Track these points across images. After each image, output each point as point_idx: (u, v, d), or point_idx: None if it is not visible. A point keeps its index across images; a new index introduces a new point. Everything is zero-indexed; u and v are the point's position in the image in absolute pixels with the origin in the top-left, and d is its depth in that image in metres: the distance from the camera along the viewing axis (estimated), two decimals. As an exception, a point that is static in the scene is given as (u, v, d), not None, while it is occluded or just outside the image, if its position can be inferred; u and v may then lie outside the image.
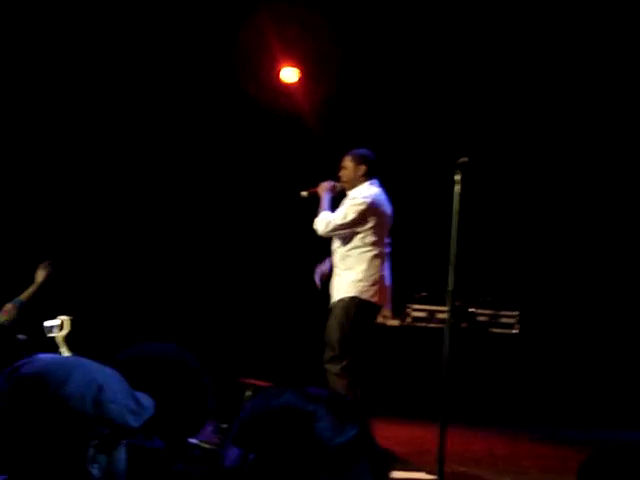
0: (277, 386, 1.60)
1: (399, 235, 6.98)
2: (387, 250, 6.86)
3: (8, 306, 6.42)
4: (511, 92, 9.98)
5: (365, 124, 9.51)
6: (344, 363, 6.57)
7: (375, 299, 6.77)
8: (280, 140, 10.12)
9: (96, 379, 1.88)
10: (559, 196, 10.25)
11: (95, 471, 1.84)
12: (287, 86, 9.93)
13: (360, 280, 6.70)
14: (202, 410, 2.58)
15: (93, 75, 9.64)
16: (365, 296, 6.70)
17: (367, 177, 6.85)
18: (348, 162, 6.90)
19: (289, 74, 9.85)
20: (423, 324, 9.55)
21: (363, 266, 6.72)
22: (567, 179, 10.20)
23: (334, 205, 6.90)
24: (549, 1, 9.65)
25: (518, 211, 10.24)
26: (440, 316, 9.31)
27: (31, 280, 6.58)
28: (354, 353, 6.62)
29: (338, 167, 6.95)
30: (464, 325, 9.50)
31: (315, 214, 6.89)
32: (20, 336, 6.18)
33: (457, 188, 5.49)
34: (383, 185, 6.91)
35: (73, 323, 3.63)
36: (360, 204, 6.72)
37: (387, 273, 6.85)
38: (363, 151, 6.96)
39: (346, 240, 6.80)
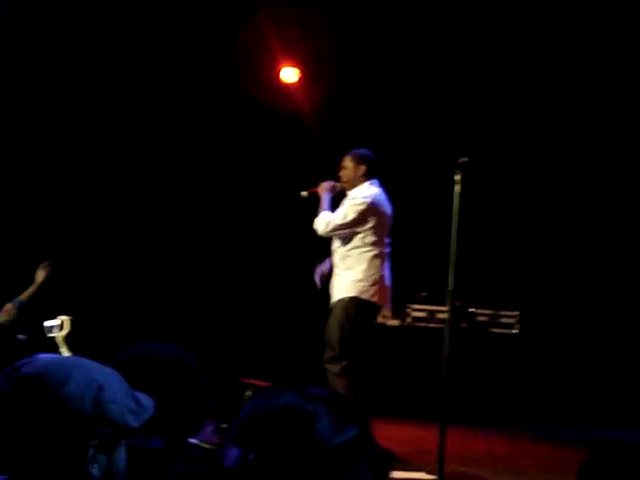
0: (277, 386, 1.60)
1: (399, 235, 6.98)
2: (387, 250, 6.86)
3: (8, 306, 6.42)
4: (511, 92, 9.97)
5: (365, 124, 9.51)
6: (344, 363, 6.57)
7: (375, 299, 6.76)
8: (280, 140, 10.12)
9: (96, 379, 1.88)
10: (559, 196, 10.25)
11: (95, 471, 1.84)
12: (287, 86, 9.93)
13: (360, 280, 6.70)
14: (201, 410, 2.58)
15: (93, 74, 9.63)
16: (365, 296, 6.70)
17: (367, 177, 6.85)
18: (348, 162, 6.90)
19: (289, 74, 9.85)
20: (423, 324, 9.55)
21: (363, 266, 6.71)
22: (567, 179, 10.20)
23: (334, 205, 6.89)
24: (548, 1, 9.65)
25: (518, 211, 10.24)
26: (440, 316, 9.31)
27: (31, 280, 6.58)
28: (354, 353, 6.62)
29: (338, 167, 6.95)
30: (464, 325, 9.51)
31: (315, 214, 6.88)
32: (20, 336, 6.18)
33: (457, 188, 5.49)
34: (383, 185, 6.91)
35: (73, 323, 3.63)
36: (360, 204, 6.72)
37: (387, 273, 6.85)
38: (363, 151, 6.95)
39: (346, 240, 6.79)
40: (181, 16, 9.68)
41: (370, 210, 6.72)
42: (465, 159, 5.49)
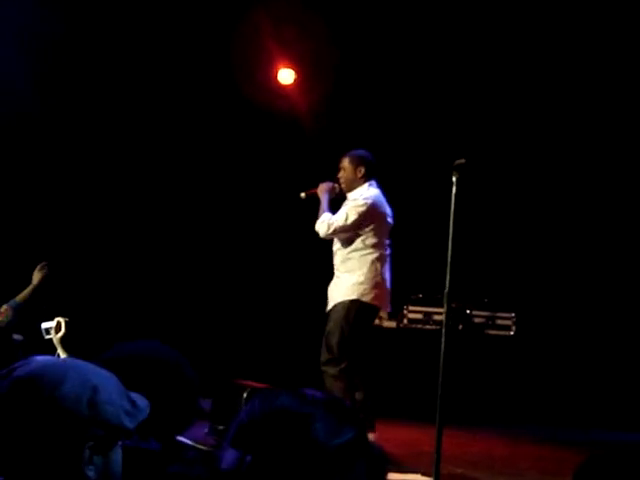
0: (274, 388, 1.60)
1: (395, 236, 6.98)
2: (388, 252, 6.85)
3: (4, 307, 6.42)
4: (508, 94, 9.98)
5: (362, 125, 9.51)
6: (342, 365, 6.56)
7: (376, 302, 6.75)
8: (277, 141, 10.11)
9: (91, 380, 1.87)
10: (556, 198, 10.25)
11: (91, 473, 1.84)
12: (284, 87, 9.93)
13: (362, 283, 6.69)
14: (190, 407, 2.57)
15: (89, 74, 9.63)
16: (366, 299, 6.69)
17: (366, 178, 6.84)
18: (346, 163, 6.88)
19: (286, 75, 9.85)
20: (419, 326, 9.56)
21: (364, 269, 6.70)
22: (564, 181, 10.21)
23: (332, 206, 6.89)
24: (546, 2, 9.65)
25: (515, 213, 10.24)
26: (436, 318, 9.34)
27: (28, 282, 6.58)
28: (352, 355, 6.61)
29: (336, 168, 6.94)
30: (460, 327, 9.52)
31: (313, 215, 6.88)
32: (16, 336, 6.18)
33: (454, 190, 5.49)
34: (381, 186, 6.91)
35: (70, 325, 3.62)
36: (361, 205, 6.71)
37: (388, 276, 6.83)
38: (361, 152, 6.94)
39: (347, 242, 6.78)
40: (178, 17, 9.67)
41: (371, 212, 6.72)
42: (462, 161, 5.48)
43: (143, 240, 9.92)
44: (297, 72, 9.86)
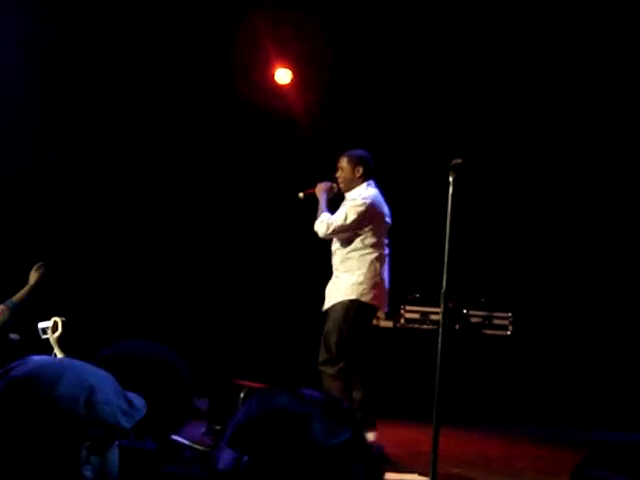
0: (271, 388, 1.59)
1: (392, 236, 6.98)
2: (386, 251, 6.85)
3: (0, 307, 6.42)
4: (504, 93, 9.98)
5: (358, 125, 9.51)
6: (340, 365, 6.56)
7: (375, 302, 6.75)
8: (274, 141, 10.11)
9: (88, 380, 1.87)
10: (552, 198, 10.26)
11: (88, 472, 1.84)
12: (281, 87, 9.93)
13: (361, 283, 6.68)
14: (183, 406, 2.57)
15: (87, 73, 9.62)
16: (365, 299, 6.68)
17: (364, 178, 6.84)
18: (345, 163, 6.88)
19: (283, 75, 9.84)
20: (416, 326, 9.56)
21: (363, 269, 6.70)
22: (560, 180, 10.21)
23: (330, 206, 6.88)
24: (542, 2, 9.66)
25: (511, 212, 10.24)
26: (433, 318, 9.34)
27: (24, 282, 6.58)
28: (351, 355, 6.61)
29: (334, 168, 6.94)
30: (457, 327, 9.52)
31: (311, 215, 6.87)
32: (13, 336, 6.18)
33: (451, 189, 5.49)
34: (379, 186, 6.91)
35: (67, 324, 3.62)
36: (360, 205, 6.70)
37: (386, 275, 6.83)
38: (359, 152, 6.94)
39: (346, 242, 6.78)
40: (175, 18, 9.67)
41: (370, 211, 6.71)
42: (458, 160, 5.48)
43: (140, 240, 9.91)
44: (294, 72, 9.86)
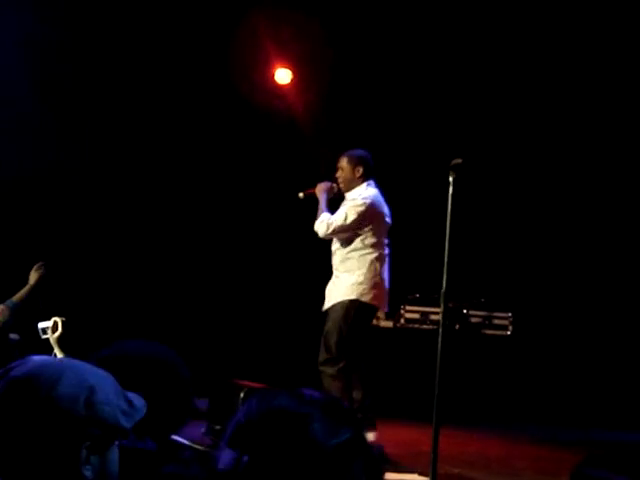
0: (271, 388, 1.59)
1: (392, 236, 6.98)
2: (386, 251, 6.84)
3: (0, 307, 6.42)
4: (504, 93, 9.98)
5: (358, 125, 9.51)
6: (340, 365, 6.56)
7: (375, 302, 6.75)
8: (274, 141, 10.11)
9: (88, 380, 1.87)
10: (552, 197, 10.26)
11: (88, 473, 1.84)
12: (281, 87, 9.93)
13: (361, 283, 6.68)
14: (183, 406, 2.57)
15: (87, 72, 9.62)
16: (365, 299, 6.68)
17: (364, 178, 6.83)
18: (345, 163, 6.87)
19: (283, 75, 9.84)
20: (416, 326, 9.56)
21: (364, 269, 6.69)
22: (561, 181, 10.21)
23: (330, 206, 6.88)
24: (543, 2, 9.66)
25: (511, 212, 10.24)
26: (433, 318, 9.34)
27: (24, 282, 6.58)
28: (350, 355, 6.61)
29: (334, 168, 6.93)
30: (457, 327, 9.52)
31: (310, 215, 6.87)
32: (13, 336, 6.18)
33: (451, 189, 5.49)
34: (379, 186, 6.91)
35: (67, 325, 3.62)
36: (360, 205, 6.70)
37: (386, 275, 6.83)
38: (360, 152, 6.93)
39: (346, 242, 6.77)
40: (175, 17, 9.66)
41: (370, 211, 6.71)
42: (458, 160, 5.48)
43: (140, 240, 9.91)
44: (294, 72, 9.86)
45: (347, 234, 6.74)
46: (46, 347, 3.65)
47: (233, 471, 1.48)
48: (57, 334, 3.62)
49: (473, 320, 9.58)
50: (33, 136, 9.45)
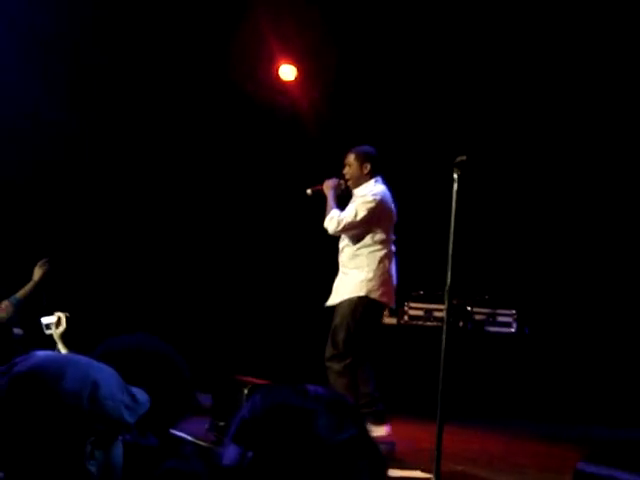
0: (275, 384, 1.59)
1: (397, 233, 6.97)
2: (394, 248, 6.84)
3: (5, 303, 6.44)
4: (509, 90, 9.97)
5: (363, 121, 9.50)
6: (347, 361, 6.55)
7: (384, 299, 6.74)
8: (279, 138, 10.11)
9: (91, 375, 1.87)
10: (557, 194, 10.25)
11: (92, 468, 1.84)
12: (285, 84, 9.92)
13: (370, 280, 6.66)
14: (182, 399, 2.56)
15: (89, 73, 9.62)
16: (374, 295, 6.66)
17: (372, 175, 6.81)
18: (352, 160, 6.85)
19: (287, 71, 9.84)
20: (420, 323, 9.57)
21: (373, 265, 6.67)
22: (565, 177, 10.20)
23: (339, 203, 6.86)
24: (544, 1, 9.65)
25: (516, 209, 10.24)
26: (437, 314, 9.34)
27: (28, 278, 6.59)
28: (358, 352, 6.60)
29: (341, 164, 6.91)
30: (461, 324, 9.52)
31: (316, 212, 6.86)
32: (16, 331, 6.19)
33: (455, 186, 5.48)
34: (386, 182, 6.89)
35: (71, 320, 3.62)
36: (370, 202, 6.67)
37: (394, 272, 6.82)
38: (367, 148, 6.91)
39: (356, 239, 6.75)
40: (178, 14, 9.66)
41: (380, 208, 6.69)
42: (463, 157, 5.47)
43: (144, 236, 9.91)
44: (298, 68, 9.85)
45: (357, 231, 6.72)
46: (50, 343, 3.66)
47: (238, 467, 1.48)
48: (61, 330, 3.62)
49: (477, 317, 9.59)
50: (33, 136, 9.46)
